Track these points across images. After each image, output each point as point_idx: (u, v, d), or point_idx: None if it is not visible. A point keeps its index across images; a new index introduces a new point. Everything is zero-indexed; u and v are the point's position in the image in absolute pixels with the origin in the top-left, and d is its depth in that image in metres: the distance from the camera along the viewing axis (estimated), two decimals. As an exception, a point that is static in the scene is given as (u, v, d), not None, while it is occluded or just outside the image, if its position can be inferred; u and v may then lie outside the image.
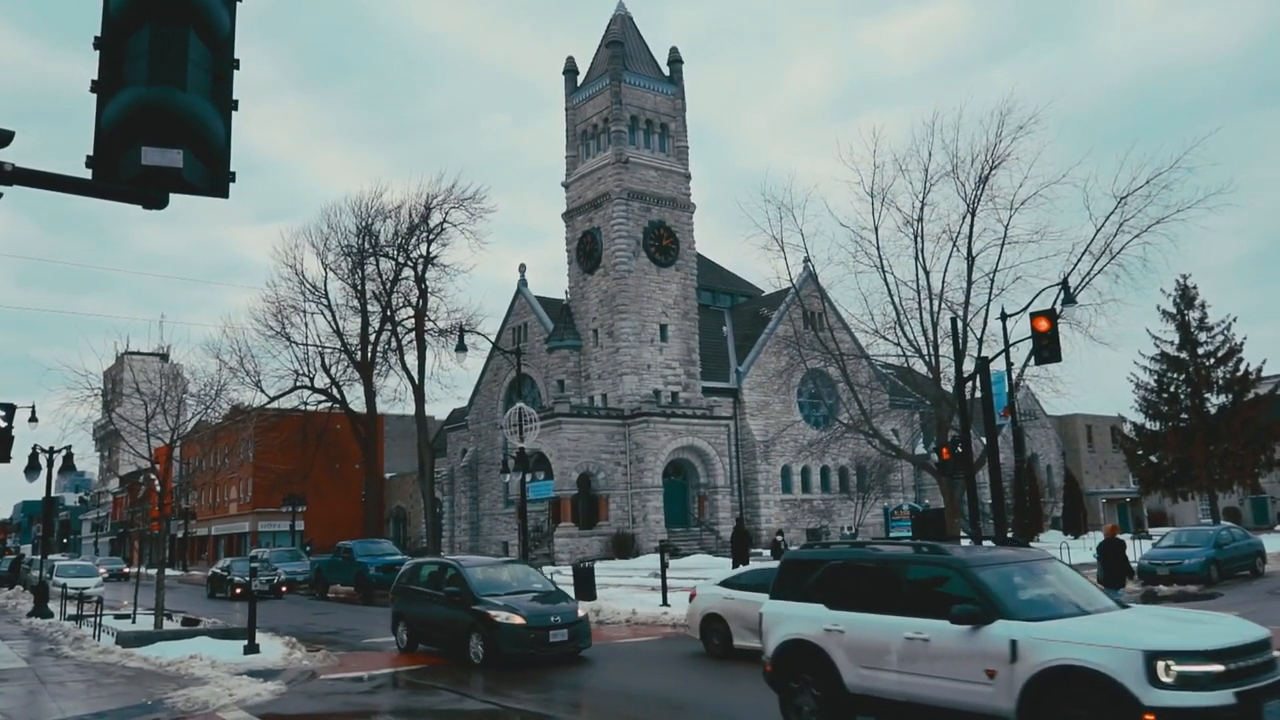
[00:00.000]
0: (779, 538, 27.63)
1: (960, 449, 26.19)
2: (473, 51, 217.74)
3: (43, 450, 28.72)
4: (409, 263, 56.25)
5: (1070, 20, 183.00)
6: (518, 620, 15.55)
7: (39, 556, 38.99)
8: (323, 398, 57.15)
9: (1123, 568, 19.16)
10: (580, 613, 16.65)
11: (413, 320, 56.00)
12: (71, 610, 25.09)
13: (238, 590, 33.13)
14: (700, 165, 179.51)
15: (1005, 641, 8.21)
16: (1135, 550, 33.37)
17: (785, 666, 10.16)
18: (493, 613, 15.69)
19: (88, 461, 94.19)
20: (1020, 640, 8.14)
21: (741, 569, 19.16)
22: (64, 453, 29.09)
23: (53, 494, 31.19)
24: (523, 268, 62.22)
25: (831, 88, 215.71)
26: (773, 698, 10.38)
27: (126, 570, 53.85)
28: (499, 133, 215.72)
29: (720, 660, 16.00)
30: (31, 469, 28.48)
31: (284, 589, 35.88)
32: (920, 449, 51.46)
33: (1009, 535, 27.35)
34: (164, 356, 57.40)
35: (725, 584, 16.95)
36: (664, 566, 25.35)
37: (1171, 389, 53.17)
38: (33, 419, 30.36)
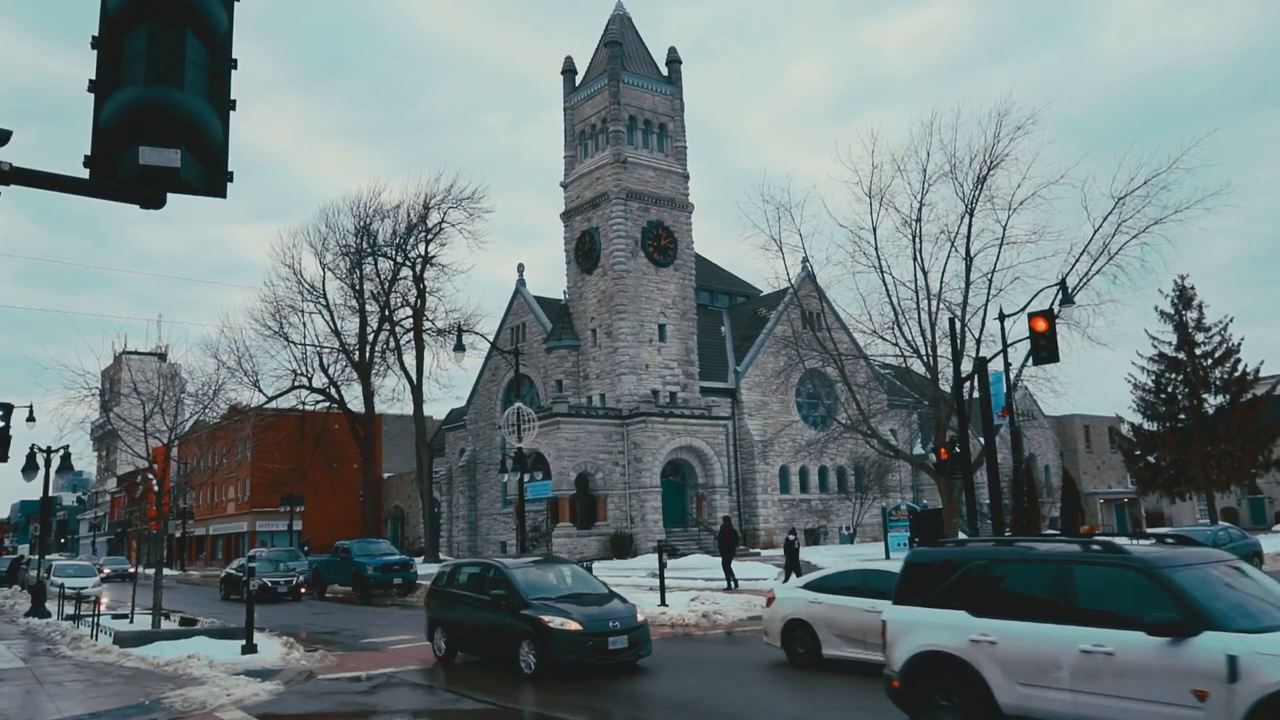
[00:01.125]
0: (791, 537, 27.32)
1: (958, 449, 26.20)
2: (472, 51, 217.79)
3: (40, 450, 28.69)
4: (407, 262, 56.29)
5: (1069, 22, 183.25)
6: (574, 626, 14.30)
7: (37, 556, 38.97)
8: (321, 397, 57.17)
9: None
10: (639, 617, 15.23)
11: (411, 320, 56.03)
12: (69, 610, 25.08)
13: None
14: (699, 165, 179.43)
15: (1220, 657, 7.11)
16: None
17: (920, 682, 8.99)
18: (545, 618, 14.40)
19: (85, 461, 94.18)
20: (1241, 656, 7.03)
21: (827, 569, 16.85)
22: (61, 452, 29.06)
23: (50, 494, 31.14)
24: (521, 268, 62.27)
25: (831, 88, 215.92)
26: (893, 715, 9.36)
27: (132, 570, 53.48)
28: (498, 132, 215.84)
29: (807, 671, 14.51)
30: (29, 469, 28.45)
31: (303, 590, 34.72)
32: (918, 449, 51.55)
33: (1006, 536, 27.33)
34: (162, 356, 57.47)
35: (810, 586, 15.49)
36: (662, 567, 25.34)
37: (1169, 389, 53.27)
38: (30, 418, 30.38)
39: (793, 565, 26.58)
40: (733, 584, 28.67)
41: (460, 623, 16.66)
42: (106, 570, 51.22)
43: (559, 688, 13.81)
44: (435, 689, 14.56)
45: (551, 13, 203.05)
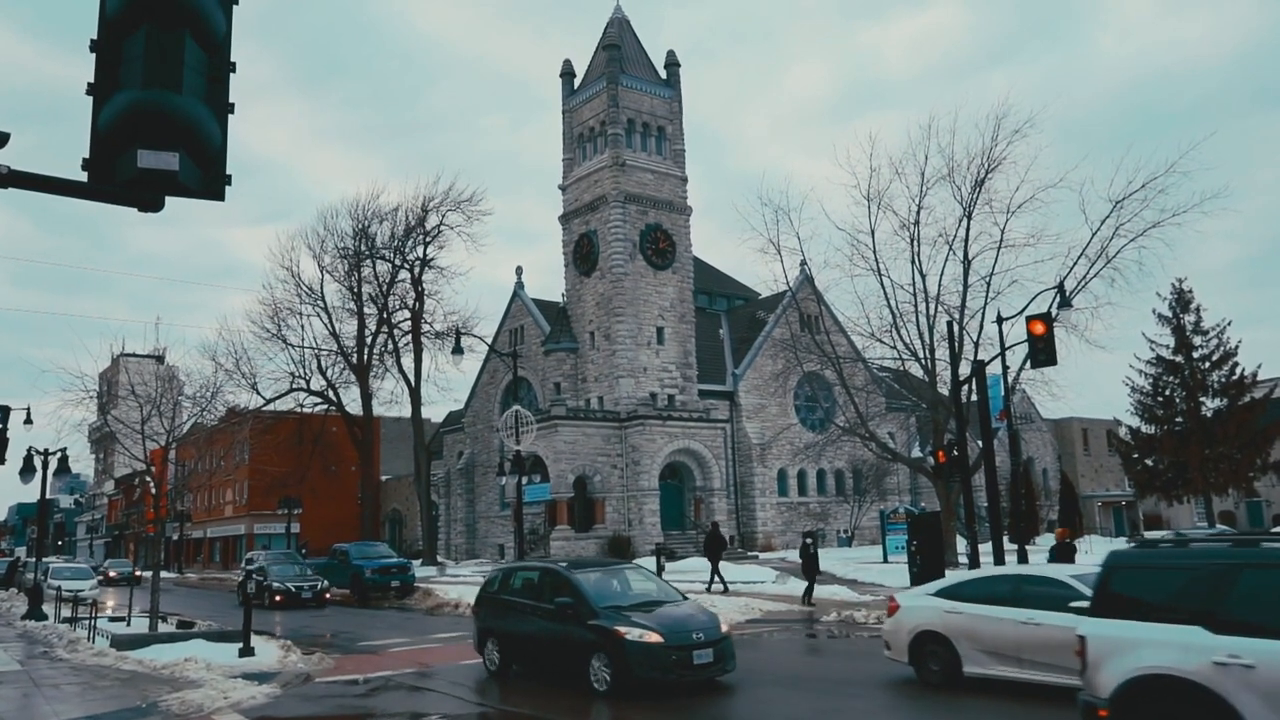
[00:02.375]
0: (809, 540, 26.34)
1: (956, 452, 26.21)
2: (471, 53, 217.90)
3: (38, 452, 28.64)
4: (405, 265, 56.37)
5: (1068, 25, 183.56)
6: (654, 638, 12.75)
7: (34, 559, 38.90)
8: (319, 400, 57.21)
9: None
10: (724, 627, 13.73)
11: (409, 323, 56.09)
12: (66, 613, 25.03)
13: (279, 598, 30.77)
14: (698, 168, 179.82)
15: None
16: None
17: (1141, 712, 7.59)
18: (621, 629, 12.89)
19: (83, 464, 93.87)
20: None
21: (960, 575, 14.94)
22: (59, 455, 29.01)
23: (48, 496, 31.08)
24: (519, 270, 62.41)
25: (830, 90, 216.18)
26: None
27: (139, 574, 52.90)
28: (497, 134, 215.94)
29: (948, 692, 12.62)
30: (26, 471, 28.40)
31: (327, 595, 32.51)
32: (916, 452, 51.54)
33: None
34: (160, 359, 57.32)
35: (944, 594, 13.61)
36: (660, 569, 25.37)
37: (1167, 392, 53.31)
38: (28, 421, 30.35)
39: (811, 571, 25.87)
40: (723, 586, 28.65)
41: (516, 633, 15.10)
42: (112, 573, 50.75)
43: (639, 708, 12.46)
44: (433, 691, 14.53)
45: (551, 14, 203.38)
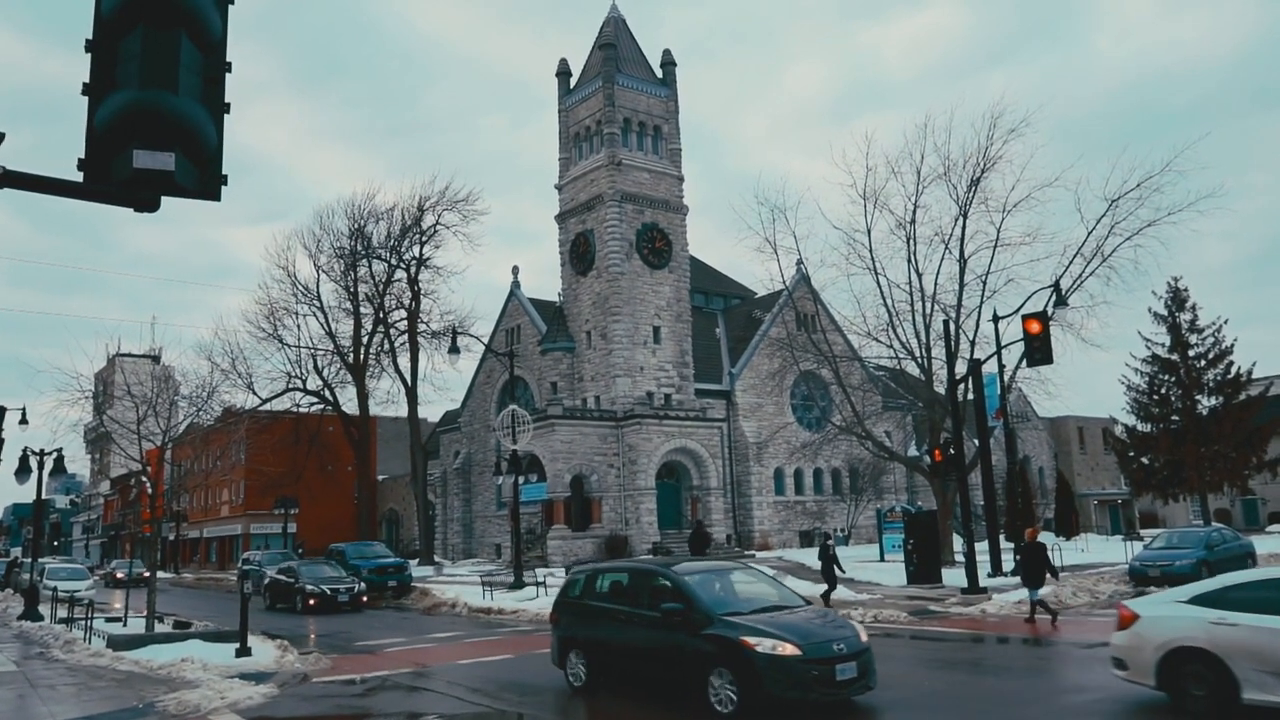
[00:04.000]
0: (830, 541, 25.18)
1: (953, 451, 26.27)
2: (469, 53, 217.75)
3: (33, 453, 28.61)
4: (401, 264, 56.31)
5: (1067, 25, 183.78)
6: (789, 650, 10.84)
7: (30, 559, 38.86)
8: (315, 400, 57.12)
9: (1042, 569, 19.98)
10: (863, 636, 11.74)
11: (405, 322, 56.06)
12: (62, 613, 25.00)
13: (312, 601, 28.99)
14: (697, 167, 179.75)
15: None
16: (1127, 551, 33.62)
17: None
18: (749, 639, 11.04)
19: (79, 464, 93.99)
20: None
21: (1226, 578, 12.01)
22: (55, 455, 28.97)
23: (43, 497, 31.05)
24: (515, 269, 62.50)
25: (829, 91, 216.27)
26: None
27: (147, 574, 52.51)
28: (495, 134, 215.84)
29: None
30: (22, 471, 28.35)
31: (364, 599, 30.27)
32: (913, 451, 51.59)
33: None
34: (155, 358, 57.22)
35: (1204, 601, 10.99)
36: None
37: (1163, 391, 53.41)
38: (23, 421, 30.31)
39: (830, 572, 24.72)
40: None
41: (608, 644, 13.28)
42: (119, 574, 50.40)
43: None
44: (430, 691, 14.51)
45: (549, 14, 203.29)
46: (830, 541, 25.79)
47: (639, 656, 12.75)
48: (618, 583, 13.83)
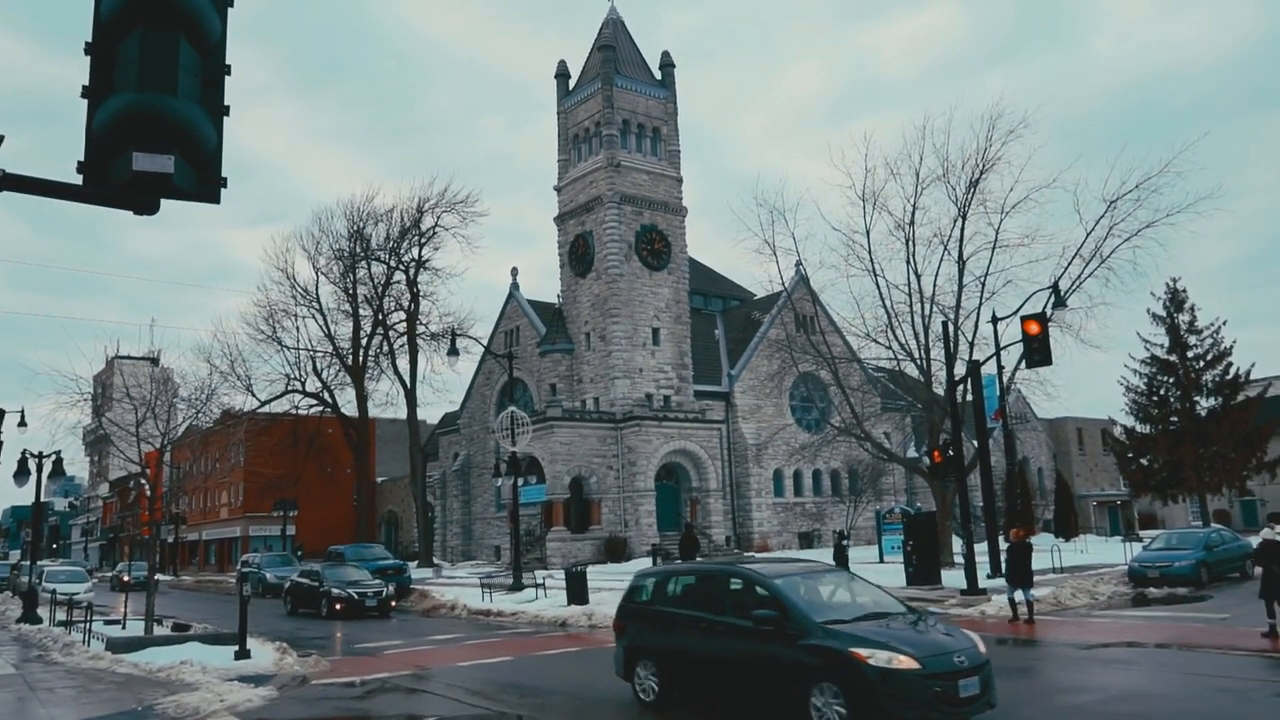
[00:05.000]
0: (845, 542, 24.93)
1: (952, 452, 26.26)
2: (468, 54, 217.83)
3: (32, 455, 28.58)
4: (400, 266, 56.38)
5: (1065, 25, 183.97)
6: (907, 664, 9.65)
7: (29, 562, 38.82)
8: (314, 402, 57.14)
9: (1029, 570, 20.14)
10: (982, 647, 10.49)
11: (404, 324, 56.11)
12: (61, 616, 24.97)
13: (338, 606, 27.48)
14: (694, 169, 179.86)
15: None
16: (1126, 552, 33.61)
17: None
18: (859, 651, 9.82)
19: (77, 466, 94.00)
20: None
21: None
22: (53, 458, 28.95)
23: (42, 499, 31.02)
24: (514, 271, 62.39)
25: (828, 91, 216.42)
26: None
27: (158, 577, 52.12)
28: (494, 136, 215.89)
29: None
30: (21, 474, 28.33)
31: (393, 604, 28.88)
32: (912, 452, 51.61)
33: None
34: (154, 361, 57.24)
35: None
36: (656, 570, 25.29)
37: (1161, 392, 53.42)
38: (22, 424, 30.27)
39: None
40: None
41: (685, 655, 12.01)
42: (126, 578, 50.30)
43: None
44: (429, 693, 14.50)
45: (547, 16, 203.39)
46: (846, 542, 26.00)
47: (723, 669, 11.41)
48: (694, 587, 12.67)
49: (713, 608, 11.78)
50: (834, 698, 9.87)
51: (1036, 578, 21.49)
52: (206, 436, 35.84)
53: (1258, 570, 17.56)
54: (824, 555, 43.97)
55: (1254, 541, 33.85)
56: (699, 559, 32.75)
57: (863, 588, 12.02)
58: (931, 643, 10.19)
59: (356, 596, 27.77)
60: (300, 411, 57.32)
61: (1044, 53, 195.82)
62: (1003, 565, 22.92)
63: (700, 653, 11.75)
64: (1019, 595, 20.25)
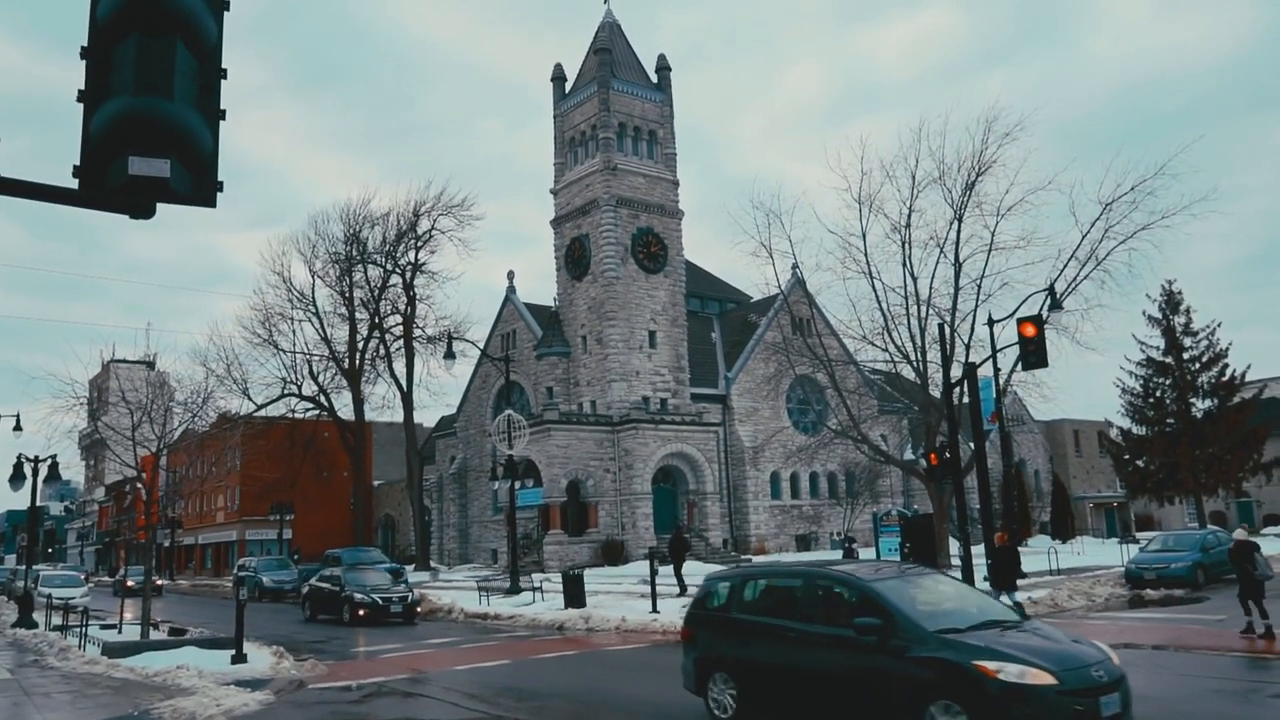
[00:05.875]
0: (852, 543, 24.89)
1: (948, 454, 26.29)
2: (465, 57, 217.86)
3: (27, 459, 28.53)
4: (397, 270, 56.37)
5: (1063, 27, 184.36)
6: (1043, 679, 8.49)
7: (24, 566, 38.72)
8: (310, 405, 57.11)
9: (1012, 571, 20.20)
10: (1116, 659, 9.47)
11: (401, 327, 56.09)
12: (57, 620, 24.92)
13: (361, 612, 26.21)
14: (691, 171, 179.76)
15: None
16: (1122, 554, 33.66)
17: None
18: (986, 664, 8.68)
19: (73, 470, 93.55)
20: None
21: None
22: (49, 462, 28.90)
23: (38, 503, 30.95)
24: (511, 274, 62.30)
25: (825, 94, 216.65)
26: None
27: (160, 581, 52.13)
28: (492, 139, 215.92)
29: None
30: (16, 478, 28.28)
31: (418, 609, 27.20)
32: (908, 454, 51.65)
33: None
34: (150, 365, 57.16)
35: None
36: (653, 574, 25.35)
37: (1157, 394, 53.55)
38: (17, 428, 30.24)
39: None
40: (681, 589, 28.86)
41: (769, 668, 10.84)
42: (130, 582, 50.24)
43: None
44: (427, 697, 14.47)
45: (545, 19, 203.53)
46: (853, 544, 26.05)
47: (815, 684, 10.26)
48: (776, 592, 11.51)
49: (800, 615, 10.71)
50: (956, 716, 8.65)
51: (1033, 580, 21.59)
52: (203, 440, 35.85)
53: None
54: (826, 557, 44.02)
55: (1250, 543, 33.88)
56: (687, 560, 32.71)
57: (964, 591, 10.93)
58: (1065, 654, 9.06)
59: (381, 601, 26.45)
60: (296, 415, 57.30)
61: (1041, 54, 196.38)
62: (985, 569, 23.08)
63: (786, 665, 10.59)
64: (1004, 599, 20.29)
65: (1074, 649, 9.30)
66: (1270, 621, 16.42)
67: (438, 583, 42.88)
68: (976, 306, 33.45)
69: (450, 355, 38.04)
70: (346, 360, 56.72)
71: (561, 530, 48.29)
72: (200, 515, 76.55)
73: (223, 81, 4.52)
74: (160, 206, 4.35)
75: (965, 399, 26.68)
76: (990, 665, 8.64)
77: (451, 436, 65.88)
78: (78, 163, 4.19)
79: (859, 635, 9.51)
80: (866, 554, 42.32)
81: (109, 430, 27.00)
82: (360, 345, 56.96)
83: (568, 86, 57.38)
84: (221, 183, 4.44)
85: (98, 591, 48.61)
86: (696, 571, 36.65)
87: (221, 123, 4.48)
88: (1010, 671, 8.52)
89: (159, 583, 50.34)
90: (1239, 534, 17.71)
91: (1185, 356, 52.57)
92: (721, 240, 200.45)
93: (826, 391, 42.94)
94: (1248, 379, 52.89)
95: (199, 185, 4.35)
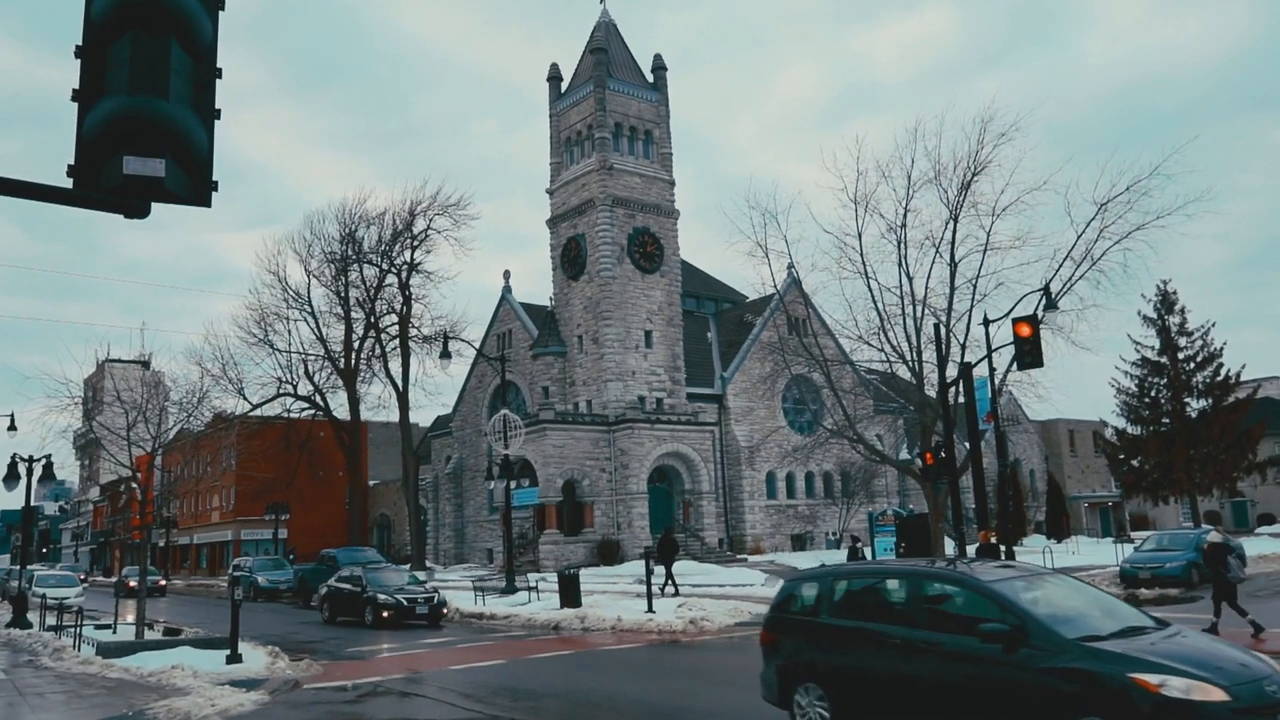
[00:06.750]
0: (858, 544, 24.77)
1: (944, 454, 26.33)
2: (461, 58, 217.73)
3: (22, 459, 28.45)
4: (393, 269, 56.27)
5: (1058, 28, 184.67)
6: (1214, 695, 7.47)
7: (18, 566, 38.61)
8: (306, 405, 57.00)
9: None
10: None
11: (396, 327, 55.99)
12: (51, 620, 24.87)
13: (385, 614, 25.38)
14: (688, 172, 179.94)
15: None
16: (1117, 553, 33.74)
17: None
18: (1146, 678, 7.58)
19: (68, 470, 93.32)
20: None
21: None
22: (44, 461, 28.83)
23: (32, 503, 30.87)
24: (507, 274, 62.19)
25: (821, 94, 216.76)
26: None
27: (163, 582, 52.09)
28: (487, 138, 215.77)
29: None
30: (10, 478, 28.22)
31: (445, 611, 26.47)
32: (904, 454, 51.71)
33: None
34: (145, 364, 57.06)
35: None
36: (649, 573, 25.35)
37: (1152, 393, 53.70)
38: (11, 428, 30.16)
39: None
40: (674, 589, 28.90)
41: (871, 679, 9.75)
42: (132, 583, 50.14)
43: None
44: (422, 697, 14.46)
45: (541, 19, 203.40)
46: (859, 544, 25.96)
47: (926, 697, 9.09)
48: (876, 594, 10.49)
49: (904, 620, 9.61)
50: None
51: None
52: (198, 440, 35.76)
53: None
54: (815, 558, 44.05)
55: (1245, 543, 34.06)
56: (678, 560, 32.71)
57: (1093, 594, 9.82)
58: (1233, 665, 7.94)
59: (406, 603, 25.59)
60: (292, 415, 57.17)
61: (1036, 56, 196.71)
62: None
63: (889, 676, 9.46)
64: None
65: (1241, 658, 8.21)
66: (1252, 618, 16.76)
67: (433, 583, 42.83)
68: (972, 306, 33.48)
69: (446, 355, 38.01)
70: (342, 360, 56.62)
71: (557, 530, 48.28)
72: (195, 515, 76.44)
73: (218, 81, 4.51)
74: (155, 206, 4.34)
75: (961, 399, 26.72)
76: (1151, 679, 7.53)
77: (447, 436, 65.82)
78: (72, 162, 4.18)
79: (983, 643, 8.46)
80: (865, 554, 42.37)
81: (104, 430, 26.89)
82: (356, 345, 56.86)
83: (563, 86, 57.36)
84: (217, 182, 4.44)
85: (93, 592, 48.56)
86: (693, 571, 36.80)
87: (217, 122, 4.47)
88: (1175, 686, 7.43)
89: (162, 583, 50.40)
90: (1213, 536, 17.91)
91: (1180, 356, 52.71)
92: (717, 240, 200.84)
93: (822, 391, 42.94)
94: (1242, 379, 53.05)
95: (194, 185, 4.35)
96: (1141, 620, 9.03)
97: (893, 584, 10.41)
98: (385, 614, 25.45)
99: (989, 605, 8.80)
